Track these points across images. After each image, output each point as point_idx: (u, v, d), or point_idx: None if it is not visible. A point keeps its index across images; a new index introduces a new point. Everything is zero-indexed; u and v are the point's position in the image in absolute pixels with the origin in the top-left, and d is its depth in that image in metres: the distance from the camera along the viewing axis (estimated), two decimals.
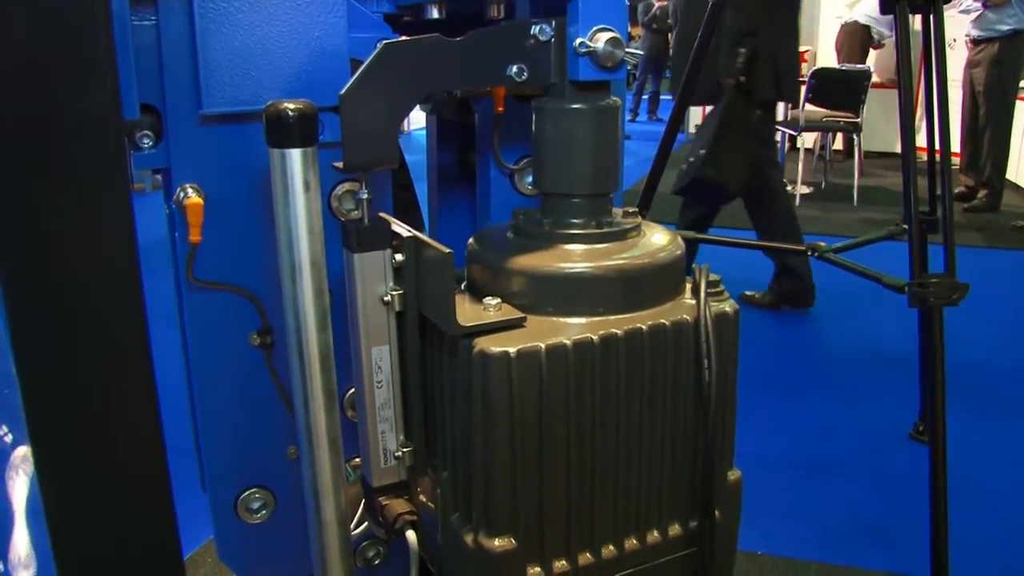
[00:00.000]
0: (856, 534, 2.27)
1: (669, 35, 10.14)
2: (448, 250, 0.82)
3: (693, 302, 0.93)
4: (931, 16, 1.95)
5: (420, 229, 1.18)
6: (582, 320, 0.88)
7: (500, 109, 1.08)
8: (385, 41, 0.84)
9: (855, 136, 6.16)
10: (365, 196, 0.89)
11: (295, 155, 0.82)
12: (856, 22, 7.40)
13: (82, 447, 0.79)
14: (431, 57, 0.86)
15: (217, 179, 0.98)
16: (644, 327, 0.88)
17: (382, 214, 0.95)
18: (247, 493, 1.07)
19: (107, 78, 0.72)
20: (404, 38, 0.85)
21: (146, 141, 0.95)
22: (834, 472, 2.57)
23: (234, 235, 1.00)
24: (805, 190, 6.41)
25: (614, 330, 0.87)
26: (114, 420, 0.77)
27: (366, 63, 0.84)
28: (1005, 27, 5.66)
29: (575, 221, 0.93)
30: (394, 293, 0.90)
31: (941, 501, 1.81)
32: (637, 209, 0.99)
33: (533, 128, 0.95)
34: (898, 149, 7.26)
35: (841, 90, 5.94)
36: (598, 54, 0.87)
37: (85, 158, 0.72)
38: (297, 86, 0.97)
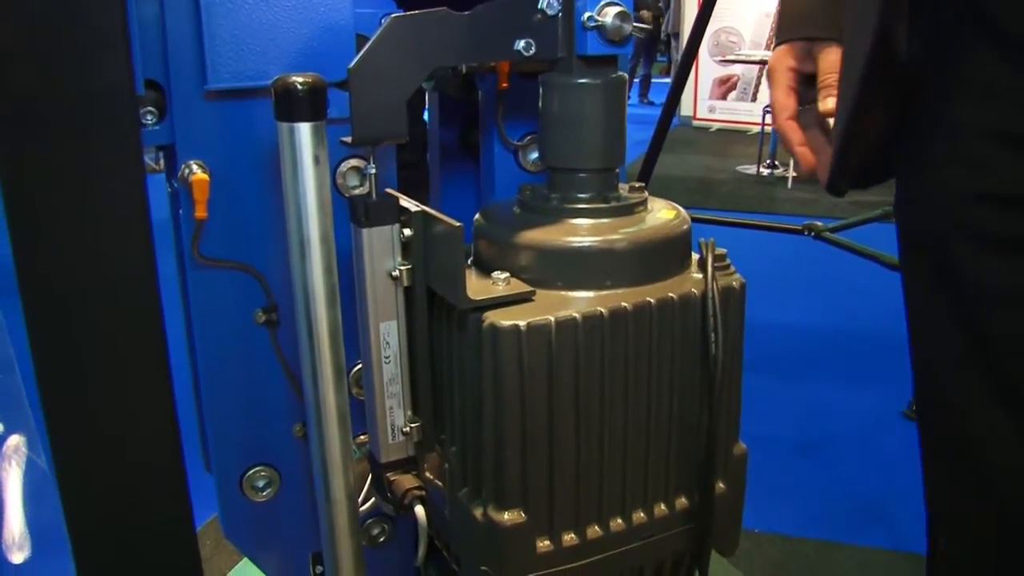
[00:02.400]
0: (853, 511, 2.29)
1: (661, 18, 10.14)
2: (458, 223, 0.82)
3: (700, 276, 0.94)
4: None
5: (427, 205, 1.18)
6: (590, 294, 0.88)
7: (504, 85, 1.07)
8: (393, 15, 0.84)
9: None
10: (373, 171, 0.89)
11: (305, 129, 0.81)
12: None
13: (94, 425, 0.79)
14: (439, 31, 0.86)
15: (222, 155, 0.97)
16: (652, 300, 0.88)
17: (389, 189, 0.95)
18: (252, 471, 1.07)
19: (121, 53, 0.72)
20: (412, 12, 0.85)
21: (149, 118, 0.95)
22: (829, 450, 2.59)
23: (240, 211, 0.99)
24: (800, 171, 6.41)
25: (623, 303, 0.87)
26: (127, 394, 0.77)
27: (374, 37, 0.83)
28: None
29: (582, 196, 0.93)
30: (402, 268, 0.90)
31: None
32: (643, 184, 0.99)
33: (540, 102, 0.95)
34: None
35: None
36: (606, 28, 0.87)
37: (99, 134, 0.72)
38: (302, 61, 0.96)
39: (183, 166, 0.96)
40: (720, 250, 0.95)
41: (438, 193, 1.28)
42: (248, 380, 1.05)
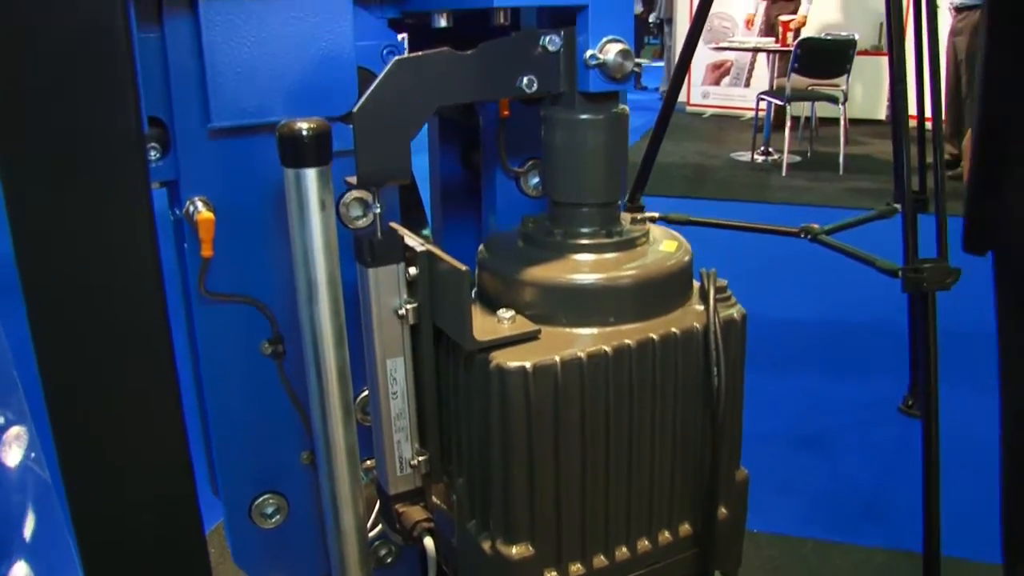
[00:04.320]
0: (849, 509, 2.31)
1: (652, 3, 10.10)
2: (464, 267, 0.83)
3: (701, 308, 0.95)
4: None
5: (424, 227, 1.19)
6: (594, 330, 0.89)
7: (506, 113, 1.08)
8: (397, 57, 0.84)
9: (840, 105, 6.16)
10: (378, 210, 0.89)
11: (311, 174, 0.82)
12: None
13: (104, 440, 0.80)
14: (442, 71, 0.86)
15: (226, 191, 0.98)
16: (655, 336, 0.89)
17: (393, 224, 0.95)
18: (261, 499, 1.09)
19: (129, 97, 0.72)
20: (416, 53, 0.85)
21: (153, 154, 0.95)
22: (825, 447, 2.61)
23: (244, 246, 1.00)
24: (794, 159, 6.42)
25: (626, 341, 0.88)
26: (137, 413, 0.79)
27: (378, 79, 0.84)
28: None
29: (585, 230, 0.94)
30: (408, 306, 0.90)
31: (934, 486, 1.84)
32: (644, 216, 1.00)
33: (543, 136, 0.95)
34: (882, 116, 7.25)
35: (827, 59, 5.94)
36: (608, 66, 0.87)
37: (108, 174, 0.72)
38: (305, 96, 0.97)
39: (187, 202, 0.97)
40: (721, 281, 0.96)
41: (439, 214, 1.28)
42: (255, 411, 1.06)
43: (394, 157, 0.85)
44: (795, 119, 6.62)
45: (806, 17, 7.07)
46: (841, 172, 6.11)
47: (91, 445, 0.79)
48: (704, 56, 8.38)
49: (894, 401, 2.80)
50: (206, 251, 0.94)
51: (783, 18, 6.90)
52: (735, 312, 0.95)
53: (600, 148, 0.92)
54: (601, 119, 0.91)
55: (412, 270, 0.90)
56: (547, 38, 0.89)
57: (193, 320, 1.04)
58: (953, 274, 1.65)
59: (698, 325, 0.92)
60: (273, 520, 1.10)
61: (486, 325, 0.87)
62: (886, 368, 2.98)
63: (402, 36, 1.14)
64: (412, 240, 0.90)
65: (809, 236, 2.01)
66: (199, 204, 0.96)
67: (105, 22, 0.73)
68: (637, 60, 0.89)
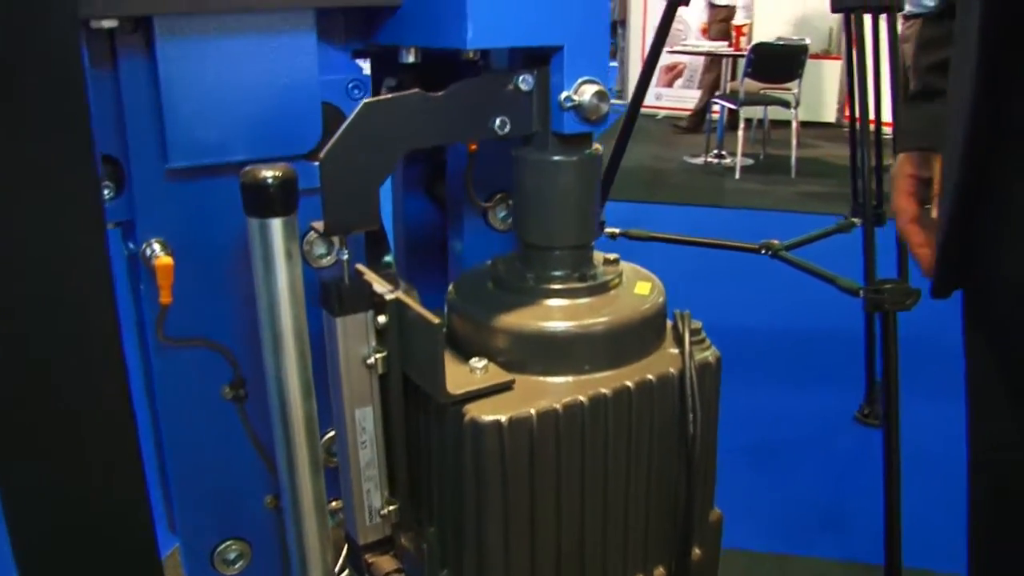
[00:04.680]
0: (808, 521, 2.33)
1: None
2: (438, 320, 0.80)
3: (676, 352, 0.93)
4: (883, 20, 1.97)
5: (386, 253, 1.16)
6: (568, 378, 0.87)
7: (473, 147, 1.05)
8: (365, 101, 0.81)
9: (793, 109, 6.23)
10: (345, 257, 0.86)
11: (276, 224, 0.79)
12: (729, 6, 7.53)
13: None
14: (413, 114, 0.84)
15: (185, 232, 0.94)
16: (631, 384, 0.88)
17: (359, 267, 0.92)
18: (223, 546, 1.05)
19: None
20: (385, 96, 0.82)
21: (106, 192, 0.91)
22: (782, 458, 2.63)
23: (204, 289, 0.96)
24: (747, 162, 6.48)
25: (602, 390, 0.86)
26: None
27: (346, 123, 0.81)
28: (931, 3, 5.75)
29: (558, 274, 0.92)
30: (377, 356, 0.88)
31: (895, 496, 1.87)
32: (617, 258, 0.98)
33: (514, 177, 0.93)
34: (831, 119, 7.38)
35: (780, 64, 6.01)
36: (584, 107, 0.85)
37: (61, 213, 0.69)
38: (268, 134, 0.93)
39: (144, 244, 0.93)
40: (695, 323, 0.95)
41: (402, 245, 1.25)
42: (217, 455, 1.02)
43: (363, 204, 0.82)
44: (747, 121, 6.68)
45: (744, 25, 7.16)
46: (793, 175, 6.19)
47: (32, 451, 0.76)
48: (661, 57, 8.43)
49: (850, 410, 2.83)
50: (164, 298, 0.90)
51: (736, 22, 6.96)
52: (710, 355, 0.94)
53: (574, 190, 0.90)
54: (575, 160, 0.89)
55: (381, 318, 0.87)
56: (520, 78, 0.87)
57: (150, 363, 1.00)
58: (913, 295, 1.67)
59: (673, 370, 0.91)
60: (236, 566, 1.06)
61: (459, 376, 0.84)
62: (841, 377, 3.00)
63: (365, 62, 1.11)
64: (380, 286, 0.88)
65: (769, 252, 2.02)
66: (156, 247, 0.92)
67: (57, 55, 0.70)
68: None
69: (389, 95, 0.83)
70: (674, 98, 8.55)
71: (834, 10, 2.19)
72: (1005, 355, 0.88)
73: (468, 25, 0.79)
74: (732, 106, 6.21)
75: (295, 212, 0.80)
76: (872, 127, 2.07)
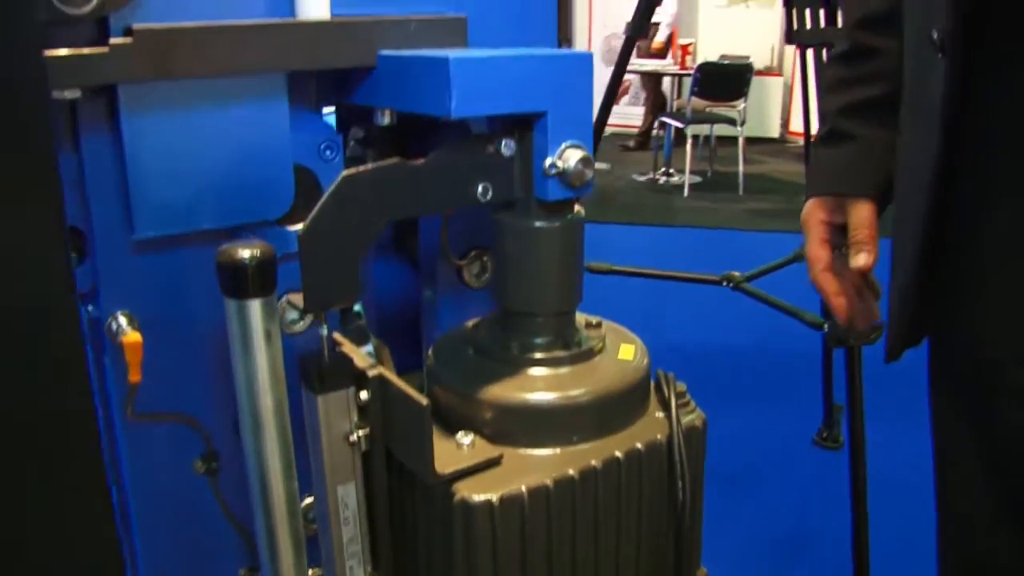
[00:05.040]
0: (771, 547, 2.33)
1: None
2: (425, 401, 0.77)
3: (661, 416, 0.92)
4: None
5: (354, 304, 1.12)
6: (556, 450, 0.85)
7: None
8: (344, 174, 0.78)
9: (739, 127, 6.32)
10: (325, 333, 0.83)
11: (255, 305, 0.75)
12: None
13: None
14: (393, 185, 0.81)
15: (152, 304, 0.90)
16: (620, 454, 0.86)
17: (338, 338, 0.89)
18: None
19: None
20: (363, 168, 0.80)
21: None
22: (742, 483, 2.63)
23: (171, 361, 0.92)
24: (695, 180, 6.54)
25: (592, 462, 0.84)
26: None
27: (324, 198, 0.78)
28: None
29: (541, 342, 0.90)
30: (360, 432, 0.85)
31: (862, 523, 1.88)
32: (600, 320, 0.97)
33: (495, 242, 0.91)
34: (775, 134, 7.50)
35: (725, 83, 6.09)
36: (569, 174, 0.84)
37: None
38: (239, 201, 0.90)
39: (109, 317, 0.89)
40: (680, 386, 0.94)
41: (371, 299, 1.22)
42: (188, 529, 0.98)
43: (344, 280, 0.80)
44: (695, 138, 6.75)
45: (663, 43, 7.25)
46: (741, 192, 6.26)
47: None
48: (603, 75, 8.49)
49: (808, 433, 2.85)
50: (134, 375, 0.86)
51: (659, 39, 7.05)
52: (696, 418, 0.93)
53: (557, 256, 0.88)
54: (558, 227, 0.87)
55: (363, 394, 0.84)
56: (502, 143, 0.85)
57: (116, 439, 0.95)
58: (878, 329, 1.67)
59: (661, 436, 0.89)
60: None
61: (445, 453, 0.82)
62: (798, 399, 3.03)
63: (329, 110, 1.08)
64: (361, 361, 0.85)
65: (731, 284, 2.03)
66: (122, 321, 0.88)
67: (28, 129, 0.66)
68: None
69: (369, 166, 0.80)
70: (620, 115, 8.60)
71: (787, 42, 2.22)
72: (981, 428, 0.84)
73: (452, 94, 0.77)
74: (679, 125, 6.27)
75: (274, 291, 0.77)
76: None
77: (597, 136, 2.53)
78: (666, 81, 7.66)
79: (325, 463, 0.85)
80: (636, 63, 7.66)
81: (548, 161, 0.83)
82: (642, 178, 6.87)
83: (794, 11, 2.18)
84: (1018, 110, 0.76)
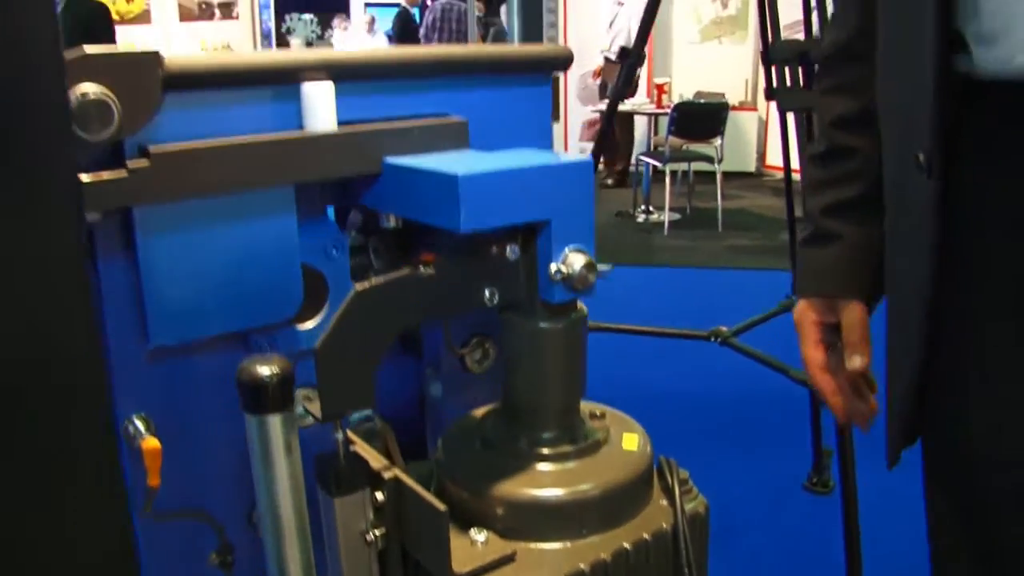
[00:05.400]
0: None
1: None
2: (443, 507, 0.80)
3: (665, 504, 0.95)
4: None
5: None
6: (567, 544, 0.88)
7: None
8: (357, 289, 0.81)
9: (716, 164, 6.41)
10: (340, 437, 0.86)
11: (275, 421, 0.78)
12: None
13: None
14: (405, 295, 0.84)
15: (166, 407, 0.92)
16: (628, 546, 0.89)
17: (351, 435, 0.92)
18: None
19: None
20: (375, 281, 0.83)
21: None
22: (734, 529, 2.65)
23: (186, 459, 0.94)
24: (674, 217, 6.61)
25: (602, 555, 0.87)
26: None
27: (339, 313, 0.81)
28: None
29: (548, 436, 0.93)
30: (376, 532, 0.87)
31: (856, 571, 1.91)
32: (603, 410, 1.00)
33: (501, 339, 0.94)
34: (751, 168, 7.57)
35: (702, 122, 6.18)
36: (573, 279, 0.87)
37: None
38: (250, 306, 0.92)
39: (125, 421, 0.91)
40: (683, 473, 0.97)
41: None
42: None
43: (359, 389, 0.82)
44: (673, 174, 6.84)
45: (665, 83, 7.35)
46: (720, 228, 6.33)
47: None
48: (579, 114, 8.60)
49: (799, 478, 2.88)
50: (153, 480, 0.88)
51: (657, 81, 7.15)
52: (698, 504, 0.96)
53: (562, 354, 0.91)
54: (562, 327, 0.90)
55: (379, 495, 0.86)
56: (508, 248, 0.88)
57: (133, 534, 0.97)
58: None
59: (666, 525, 0.92)
60: None
61: (461, 551, 0.84)
62: (786, 444, 3.06)
63: None
64: (376, 463, 0.87)
65: (719, 340, 2.07)
66: (139, 425, 0.90)
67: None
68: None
69: (380, 280, 0.83)
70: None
71: (767, 98, 2.28)
72: (977, 528, 0.85)
73: (461, 210, 0.80)
74: (658, 164, 6.35)
75: (293, 406, 0.79)
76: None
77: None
78: (640, 120, 7.75)
79: (342, 562, 0.87)
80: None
81: (553, 267, 0.86)
82: (621, 216, 6.94)
83: (773, 67, 2.24)
84: (1004, 219, 0.78)
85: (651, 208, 6.83)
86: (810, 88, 2.10)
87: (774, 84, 2.23)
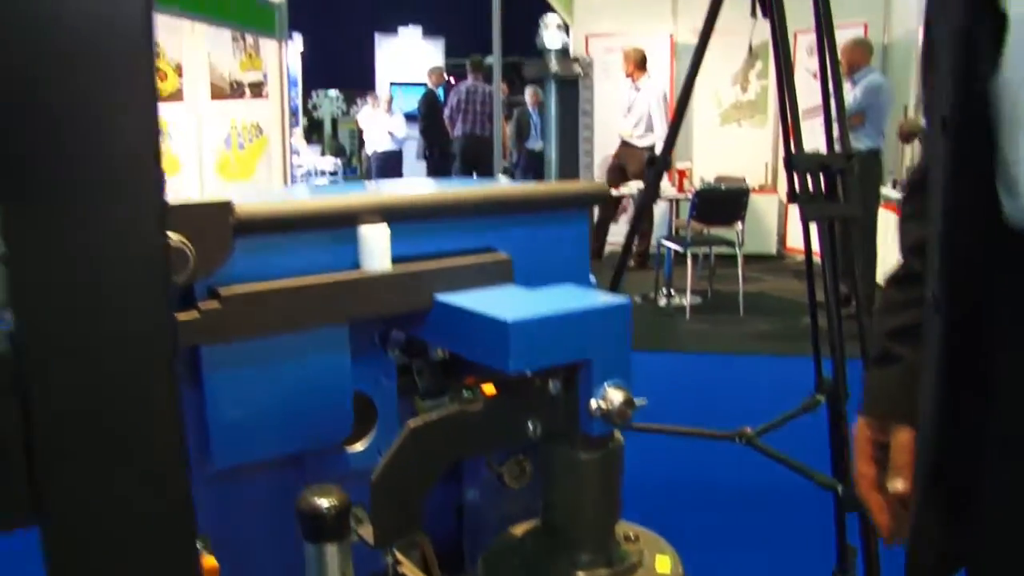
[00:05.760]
0: None
1: None
2: None
3: None
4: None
5: None
6: None
7: None
8: (411, 426, 0.87)
9: (737, 248, 6.47)
10: (391, 560, 0.91)
11: (332, 550, 0.83)
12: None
13: None
14: (455, 431, 0.90)
15: (224, 527, 0.97)
16: None
17: (399, 555, 0.96)
18: None
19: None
20: (427, 418, 0.88)
21: None
22: None
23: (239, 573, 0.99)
24: (696, 300, 6.66)
25: None
26: None
27: (393, 449, 0.86)
28: (861, 146, 6.09)
29: (586, 559, 0.97)
30: None
31: None
32: (636, 532, 1.04)
33: (541, 465, 0.99)
34: (772, 251, 7.56)
35: (723, 207, 6.27)
36: (612, 414, 0.92)
37: None
38: (305, 432, 0.98)
39: None
40: None
41: None
42: None
43: (410, 516, 0.87)
44: (694, 257, 6.91)
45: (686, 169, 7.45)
46: (741, 313, 6.37)
47: None
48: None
49: (825, 573, 2.86)
50: None
51: (679, 166, 7.27)
52: None
53: (599, 482, 0.96)
54: (600, 457, 0.95)
55: None
56: (551, 383, 0.94)
57: None
58: None
59: None
60: None
61: None
62: (810, 536, 3.04)
63: None
64: None
65: (744, 440, 2.10)
66: (198, 546, 0.95)
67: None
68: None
69: (432, 416, 0.88)
70: (619, 234, 8.78)
71: (790, 201, 2.33)
72: None
73: (510, 354, 0.86)
74: (679, 248, 6.43)
75: (349, 535, 0.84)
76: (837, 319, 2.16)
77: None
78: (661, 204, 7.85)
79: None
80: (635, 185, 7.90)
81: (594, 404, 0.92)
82: (643, 300, 6.99)
83: (795, 175, 2.30)
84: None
85: (672, 291, 6.88)
86: (831, 197, 2.16)
87: (797, 189, 2.29)
